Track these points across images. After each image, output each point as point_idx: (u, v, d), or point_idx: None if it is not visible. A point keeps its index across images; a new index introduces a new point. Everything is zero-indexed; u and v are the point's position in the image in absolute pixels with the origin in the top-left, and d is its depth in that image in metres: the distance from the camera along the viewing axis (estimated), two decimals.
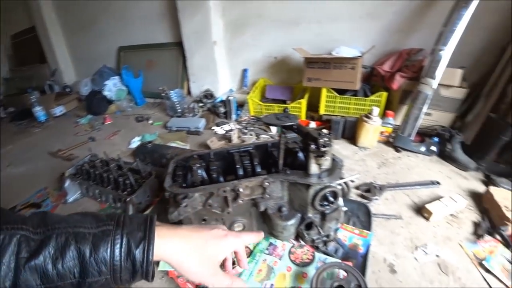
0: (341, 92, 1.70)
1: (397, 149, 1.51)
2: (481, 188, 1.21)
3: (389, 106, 1.66)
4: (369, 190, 1.17)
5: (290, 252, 0.88)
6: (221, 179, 0.82)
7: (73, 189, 1.28)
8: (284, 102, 1.95)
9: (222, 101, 2.05)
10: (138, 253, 0.41)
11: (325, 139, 0.68)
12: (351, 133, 1.61)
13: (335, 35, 1.86)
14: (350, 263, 0.83)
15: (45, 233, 0.38)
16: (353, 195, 1.17)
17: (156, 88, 2.20)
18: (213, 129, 1.80)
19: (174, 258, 0.46)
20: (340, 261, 0.83)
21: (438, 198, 1.10)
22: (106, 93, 2.43)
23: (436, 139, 1.49)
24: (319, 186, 0.72)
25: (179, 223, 0.82)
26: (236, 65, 2.30)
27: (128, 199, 1.10)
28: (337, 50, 1.67)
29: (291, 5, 1.88)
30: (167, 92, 2.08)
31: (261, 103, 1.88)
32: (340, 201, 0.79)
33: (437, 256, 0.90)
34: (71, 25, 2.88)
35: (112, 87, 2.46)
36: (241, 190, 0.73)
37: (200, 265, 0.49)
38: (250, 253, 0.89)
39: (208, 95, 2.20)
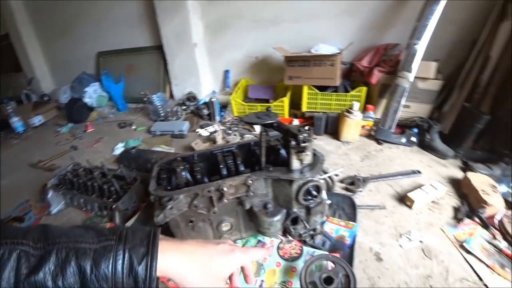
0: (322, 88, 1.73)
1: (378, 141, 1.55)
2: (459, 174, 1.26)
3: (369, 101, 1.70)
4: (353, 182, 1.20)
5: (278, 248, 0.89)
6: (206, 179, 0.82)
7: (56, 200, 1.25)
8: (267, 101, 1.96)
9: (205, 103, 2.05)
10: (140, 269, 0.39)
11: (305, 134, 0.70)
12: (333, 128, 1.64)
13: (313, 33, 1.88)
14: (337, 255, 0.85)
15: (45, 248, 0.37)
16: (338, 188, 1.20)
17: (138, 93, 2.17)
18: (197, 131, 1.79)
19: (178, 274, 0.45)
20: (327, 253, 0.85)
21: (420, 186, 1.14)
22: (86, 100, 2.38)
23: (415, 130, 1.54)
24: (301, 181, 0.74)
25: (165, 225, 0.82)
26: (218, 66, 2.30)
27: (114, 206, 1.08)
28: (316, 47, 1.70)
29: (269, 5, 1.90)
30: (149, 96, 2.06)
31: (244, 103, 1.89)
32: (324, 194, 0.81)
33: (421, 241, 0.93)
34: (46, 32, 2.80)
35: (92, 94, 2.40)
36: (225, 189, 0.74)
37: (205, 281, 0.47)
38: None
39: (191, 97, 2.19)
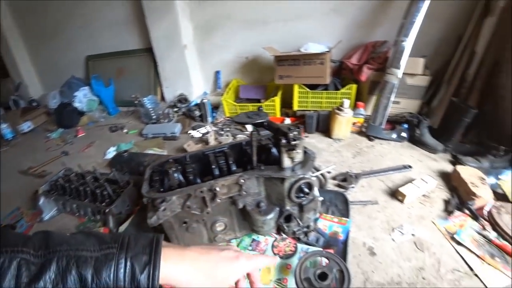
0: (312, 87, 1.74)
1: (369, 138, 1.57)
2: (449, 168, 1.29)
3: (359, 98, 1.72)
4: (346, 179, 1.21)
5: (273, 246, 0.90)
6: (198, 180, 0.83)
7: (48, 206, 1.23)
8: (258, 101, 1.97)
9: (196, 105, 2.04)
10: (143, 278, 0.38)
11: (295, 133, 0.70)
12: (325, 126, 1.66)
13: (303, 32, 1.90)
14: (331, 251, 0.86)
15: (45, 256, 0.36)
16: (331, 185, 1.21)
17: (129, 96, 2.16)
18: (190, 133, 1.79)
19: (181, 282, 0.43)
20: (321, 249, 0.86)
21: (411, 180, 1.16)
22: (76, 104, 2.35)
23: (405, 125, 1.56)
24: (293, 179, 0.75)
25: (159, 227, 0.82)
26: (209, 67, 2.30)
27: (107, 210, 1.08)
28: (305, 46, 1.71)
29: (258, 5, 1.91)
30: (140, 99, 2.04)
31: (235, 103, 1.90)
32: (316, 191, 0.81)
33: (413, 235, 0.95)
34: (33, 36, 2.74)
35: (82, 98, 2.38)
36: (217, 189, 0.74)
37: None
38: None
39: (182, 99, 2.18)
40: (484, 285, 0.78)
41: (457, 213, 1.03)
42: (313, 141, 1.61)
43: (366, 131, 1.59)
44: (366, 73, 1.63)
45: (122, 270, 0.38)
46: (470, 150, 1.40)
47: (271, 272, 0.83)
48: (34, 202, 1.27)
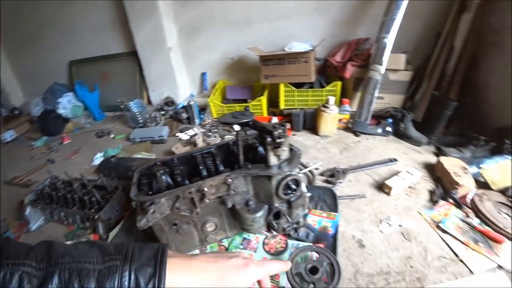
0: (298, 85, 1.76)
1: (356, 133, 1.60)
2: (433, 159, 1.33)
3: (345, 94, 1.75)
4: (333, 175, 1.23)
5: (264, 244, 0.91)
6: (186, 182, 0.83)
7: (35, 216, 1.21)
8: (245, 101, 1.98)
9: (183, 107, 2.03)
10: None
11: (280, 131, 0.71)
12: (311, 123, 1.68)
13: (287, 31, 1.91)
14: (321, 245, 0.87)
15: (47, 269, 0.35)
16: (319, 181, 1.23)
17: (115, 101, 2.13)
18: (178, 136, 1.78)
19: None
20: (311, 244, 0.87)
21: (396, 173, 1.19)
22: (60, 111, 2.30)
23: (390, 120, 1.60)
24: (280, 176, 0.76)
25: (149, 230, 0.82)
26: (194, 69, 2.29)
27: (96, 216, 1.06)
28: (290, 45, 1.73)
29: (242, 6, 1.91)
30: (126, 103, 2.02)
31: (222, 104, 1.90)
32: (303, 187, 0.83)
33: (400, 225, 0.97)
34: (13, 43, 2.66)
35: (66, 104, 2.33)
36: (206, 189, 0.74)
37: None
38: (226, 250, 0.90)
39: (169, 102, 2.17)
40: (469, 269, 0.81)
41: (441, 202, 1.06)
42: (300, 138, 1.62)
43: (352, 127, 1.62)
44: (350, 70, 1.66)
45: (126, 284, 0.37)
46: (452, 141, 1.44)
47: None
48: (20, 213, 1.24)
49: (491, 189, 1.08)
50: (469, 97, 1.57)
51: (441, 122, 1.46)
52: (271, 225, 0.88)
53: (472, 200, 1.03)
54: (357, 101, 1.65)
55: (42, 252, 0.37)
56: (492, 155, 1.26)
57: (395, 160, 1.32)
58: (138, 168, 0.92)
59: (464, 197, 1.05)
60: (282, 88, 1.76)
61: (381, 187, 1.15)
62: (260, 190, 0.82)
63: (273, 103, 1.90)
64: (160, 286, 0.37)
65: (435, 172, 1.23)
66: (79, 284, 0.35)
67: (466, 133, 1.42)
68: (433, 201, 1.07)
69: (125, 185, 1.20)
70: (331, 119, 1.55)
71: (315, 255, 0.81)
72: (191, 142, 1.65)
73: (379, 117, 1.67)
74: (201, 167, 0.83)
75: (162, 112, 2.12)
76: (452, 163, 1.18)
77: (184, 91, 2.31)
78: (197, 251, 0.91)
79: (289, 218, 0.86)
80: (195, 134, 1.71)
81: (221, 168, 0.83)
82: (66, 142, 2.06)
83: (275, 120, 1.80)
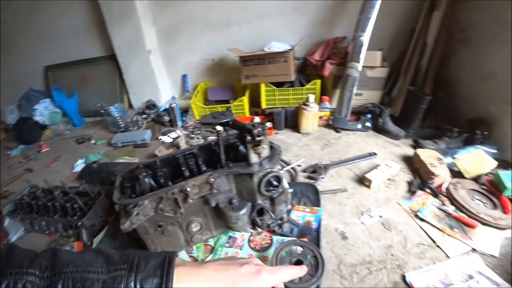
0: (279, 85, 1.78)
1: (336, 130, 1.64)
2: (410, 152, 1.38)
3: (324, 92, 1.79)
4: (315, 171, 1.26)
5: (249, 241, 0.92)
6: (170, 183, 0.83)
7: (14, 227, 1.17)
8: (227, 102, 1.98)
9: (165, 110, 2.02)
10: None
11: (259, 129, 0.73)
12: (293, 122, 1.70)
13: (266, 32, 1.94)
14: (305, 239, 0.89)
15: (51, 278, 0.35)
16: (301, 178, 1.25)
17: (94, 106, 2.08)
18: (160, 139, 1.76)
19: None
20: (295, 239, 0.89)
21: (376, 167, 1.23)
22: (37, 118, 2.23)
23: (369, 115, 1.64)
24: (261, 173, 0.77)
25: (134, 234, 0.81)
26: (175, 71, 2.28)
27: (79, 223, 1.04)
28: (269, 46, 1.75)
29: (220, 7, 1.92)
30: (106, 108, 1.98)
31: (204, 106, 1.89)
32: (285, 183, 0.84)
33: (380, 216, 1.01)
34: None
35: (43, 111, 2.25)
36: (188, 189, 0.75)
37: None
38: (212, 250, 0.91)
39: (151, 105, 2.14)
40: (446, 254, 0.85)
41: (419, 192, 1.10)
42: (282, 137, 1.65)
43: (333, 123, 1.66)
44: (328, 68, 1.70)
45: None
46: (428, 134, 1.50)
47: None
48: None
49: (465, 178, 1.13)
50: (442, 91, 1.64)
51: (417, 116, 1.51)
52: (255, 222, 0.89)
53: (447, 189, 1.08)
54: (336, 98, 1.69)
55: (47, 260, 0.37)
56: (465, 145, 1.32)
57: (375, 154, 1.36)
58: (121, 172, 0.91)
59: (440, 186, 1.10)
60: (263, 87, 1.78)
61: (362, 180, 1.19)
62: (242, 188, 0.83)
63: (255, 103, 1.92)
64: None
65: (413, 164, 1.28)
66: None
67: (441, 126, 1.47)
68: (411, 192, 1.12)
69: (108, 190, 1.18)
70: (312, 116, 1.58)
71: (299, 249, 0.83)
72: (174, 144, 1.65)
73: (358, 113, 1.71)
74: (183, 168, 0.83)
75: (144, 116, 2.09)
76: (428, 155, 1.23)
77: (165, 93, 2.29)
78: (183, 252, 0.92)
79: (272, 214, 0.87)
80: (178, 137, 1.70)
81: (204, 168, 0.84)
82: (44, 150, 2.00)
83: (257, 119, 1.82)
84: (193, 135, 1.73)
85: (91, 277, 0.36)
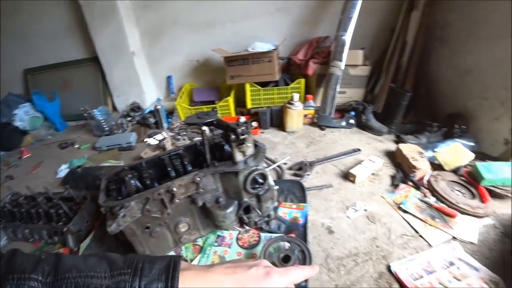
0: (263, 84, 1.80)
1: (321, 127, 1.67)
2: (393, 147, 1.42)
3: (308, 91, 1.82)
4: (301, 168, 1.28)
5: (237, 239, 0.92)
6: (156, 184, 0.83)
7: None
8: (213, 102, 1.98)
9: (150, 112, 2.00)
10: None
11: (243, 128, 0.74)
12: (278, 120, 1.72)
13: (250, 32, 1.95)
14: (293, 235, 0.91)
15: (54, 284, 0.34)
16: (287, 175, 1.27)
17: (77, 109, 2.04)
18: (146, 141, 1.75)
19: None
20: (282, 235, 0.90)
21: (360, 162, 1.26)
22: (17, 123, 2.16)
23: (352, 113, 1.68)
24: (246, 171, 0.78)
25: (122, 237, 0.81)
26: (160, 73, 2.26)
27: (64, 229, 1.02)
28: (253, 46, 1.76)
29: (204, 7, 1.92)
30: (90, 111, 1.94)
31: (190, 107, 1.89)
32: (270, 181, 0.86)
33: (365, 210, 1.04)
34: None
35: (23, 116, 2.19)
36: (175, 189, 0.75)
37: None
38: (201, 249, 0.91)
39: (135, 107, 2.12)
40: (428, 243, 0.88)
41: (402, 185, 1.14)
42: (268, 136, 1.67)
43: (318, 121, 1.68)
44: (312, 67, 1.73)
45: None
46: (410, 129, 1.55)
47: None
48: None
49: (445, 170, 1.18)
50: (422, 88, 1.69)
51: (399, 112, 1.56)
52: (242, 219, 0.90)
53: (429, 181, 1.12)
54: (320, 97, 1.72)
55: (49, 265, 0.36)
56: (444, 139, 1.37)
57: (359, 150, 1.39)
58: (106, 175, 0.90)
59: (422, 179, 1.14)
60: (248, 87, 1.79)
61: (347, 176, 1.22)
62: (228, 187, 0.84)
63: (240, 103, 1.93)
64: None
65: (395, 158, 1.31)
66: None
67: (422, 121, 1.53)
68: (394, 185, 1.15)
69: (94, 194, 1.16)
70: (297, 115, 1.60)
71: (287, 244, 0.84)
72: (160, 146, 1.63)
73: (342, 111, 1.75)
74: (169, 169, 0.83)
75: (129, 118, 2.07)
76: (410, 149, 1.27)
77: (150, 95, 2.27)
78: (172, 253, 0.91)
79: (259, 212, 0.88)
80: (164, 138, 1.69)
81: (189, 168, 0.84)
82: (26, 156, 1.94)
83: (243, 119, 1.82)
84: (179, 137, 1.72)
85: (94, 282, 0.35)
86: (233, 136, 0.74)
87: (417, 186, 1.12)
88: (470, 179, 1.10)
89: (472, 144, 1.30)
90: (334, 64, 1.58)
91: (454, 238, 0.89)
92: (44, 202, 1.13)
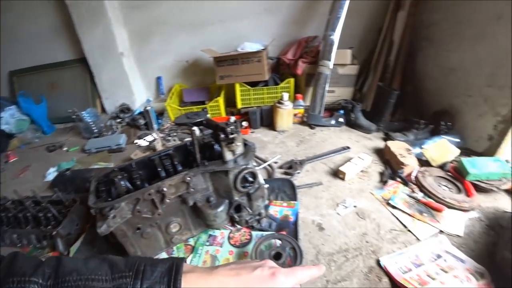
0: (253, 84, 1.80)
1: (311, 126, 1.69)
2: (382, 144, 1.44)
3: (298, 90, 1.83)
4: (291, 166, 1.29)
5: (229, 238, 0.93)
6: (146, 185, 0.82)
7: None
8: (203, 103, 1.98)
9: (140, 113, 1.98)
10: None
11: (232, 127, 0.74)
12: (268, 120, 1.73)
13: (239, 32, 1.95)
14: (284, 232, 0.91)
15: (54, 287, 0.34)
16: (278, 174, 1.28)
17: (65, 112, 2.01)
18: (136, 143, 1.73)
19: None
20: (274, 232, 0.91)
21: (349, 160, 1.28)
22: (3, 127, 2.11)
23: (341, 111, 1.70)
24: (236, 170, 0.79)
25: (113, 240, 0.80)
26: (149, 74, 2.24)
27: (54, 233, 1.00)
28: (242, 46, 1.77)
29: (193, 8, 1.91)
30: (78, 113, 1.91)
31: (180, 108, 1.88)
32: (260, 179, 0.86)
33: (355, 206, 1.06)
34: None
35: (9, 119, 2.14)
36: (165, 189, 0.75)
37: None
38: (192, 249, 0.91)
39: (125, 109, 2.09)
40: (416, 237, 0.91)
41: (390, 182, 1.16)
42: (259, 135, 1.67)
43: (307, 120, 1.70)
44: (301, 67, 1.74)
45: None
46: (398, 126, 1.58)
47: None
48: None
49: (432, 166, 1.21)
50: (409, 86, 1.73)
51: (387, 110, 1.59)
52: (233, 218, 0.91)
53: (416, 177, 1.14)
54: (310, 96, 1.74)
55: (50, 268, 0.36)
56: (431, 136, 1.40)
57: (348, 148, 1.41)
58: (95, 176, 0.89)
59: (409, 175, 1.16)
60: (238, 87, 1.79)
61: (336, 173, 1.23)
62: (219, 186, 0.84)
63: (230, 103, 1.93)
64: None
65: (384, 155, 1.34)
66: None
67: (409, 118, 1.56)
68: (383, 182, 1.17)
69: (83, 197, 1.15)
70: (287, 114, 1.62)
71: (278, 242, 0.85)
72: (150, 148, 1.62)
73: (331, 110, 1.77)
74: (159, 169, 0.83)
75: (118, 120, 2.04)
76: (398, 146, 1.29)
77: (140, 96, 2.24)
78: (163, 253, 0.91)
79: (250, 210, 0.89)
80: (154, 140, 1.68)
81: (180, 168, 0.84)
82: (12, 160, 1.90)
83: (233, 119, 1.83)
84: (170, 138, 1.72)
85: (95, 285, 0.35)
86: (222, 136, 0.74)
87: (405, 182, 1.14)
88: (456, 174, 1.13)
89: (458, 140, 1.33)
90: (323, 63, 1.59)
91: (441, 231, 0.92)
92: (32, 206, 1.11)
